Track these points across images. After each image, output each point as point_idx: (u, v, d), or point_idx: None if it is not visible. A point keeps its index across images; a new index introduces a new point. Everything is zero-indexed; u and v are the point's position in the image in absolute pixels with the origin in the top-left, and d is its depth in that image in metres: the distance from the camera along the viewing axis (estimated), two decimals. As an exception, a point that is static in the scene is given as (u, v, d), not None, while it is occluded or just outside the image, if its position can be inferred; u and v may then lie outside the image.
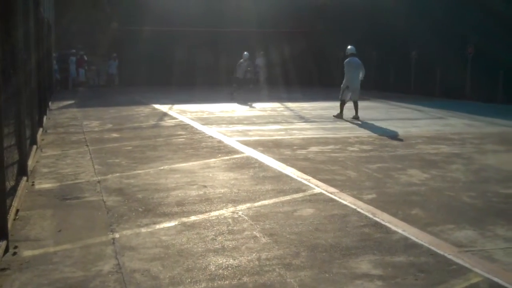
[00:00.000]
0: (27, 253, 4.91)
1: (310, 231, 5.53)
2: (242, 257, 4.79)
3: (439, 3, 23.57)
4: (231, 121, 15.15)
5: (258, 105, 20.33)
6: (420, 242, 5.18)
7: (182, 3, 32.28)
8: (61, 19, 32.08)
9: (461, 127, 13.97)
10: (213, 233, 5.45)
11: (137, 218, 5.97)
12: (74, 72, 31.43)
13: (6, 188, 5.09)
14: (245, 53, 24.72)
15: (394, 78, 27.06)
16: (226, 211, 6.24)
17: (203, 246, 5.07)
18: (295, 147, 10.67)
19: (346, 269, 4.53)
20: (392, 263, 4.65)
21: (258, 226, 5.69)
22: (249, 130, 13.23)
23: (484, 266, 4.57)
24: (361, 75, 15.73)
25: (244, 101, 21.93)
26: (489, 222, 5.86)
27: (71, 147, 10.85)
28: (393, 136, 12.26)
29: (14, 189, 6.40)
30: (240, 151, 10.20)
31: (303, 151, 10.23)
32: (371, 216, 6.02)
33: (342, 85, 16.07)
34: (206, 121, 15.09)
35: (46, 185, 7.62)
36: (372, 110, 18.35)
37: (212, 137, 12.00)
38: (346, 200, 6.70)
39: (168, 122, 15.15)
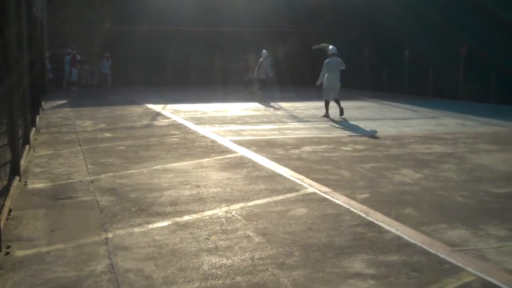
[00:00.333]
0: (19, 253, 4.89)
1: (303, 230, 5.53)
2: (236, 257, 4.79)
3: (432, 3, 23.63)
4: (224, 121, 15.15)
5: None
6: (413, 241, 5.19)
7: (176, 2, 32.22)
8: (54, 19, 31.96)
9: (454, 126, 14.02)
10: (206, 233, 5.45)
11: (130, 218, 5.96)
12: (68, 72, 31.31)
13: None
14: (264, 51, 24.23)
15: (387, 78, 27.12)
16: (220, 211, 6.24)
17: (196, 246, 5.07)
18: (288, 147, 10.68)
19: (339, 269, 4.54)
20: (385, 262, 4.66)
21: (251, 225, 5.69)
22: (243, 130, 13.23)
23: (477, 265, 4.59)
24: (342, 68, 16.18)
25: (264, 100, 21.85)
26: (482, 221, 5.88)
27: (64, 147, 10.82)
28: (386, 135, 12.29)
29: (6, 189, 6.39)
30: (234, 150, 10.20)
31: (297, 151, 10.24)
32: (364, 215, 6.03)
33: (323, 85, 16.38)
34: (199, 121, 15.08)
35: (39, 185, 7.59)
36: (366, 109, 18.39)
37: (205, 137, 12.00)
38: (339, 199, 6.71)
39: (161, 122, 15.13)
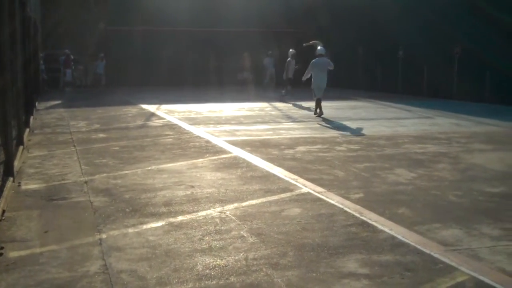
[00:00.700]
0: (13, 254, 4.88)
1: (298, 230, 5.54)
2: (230, 257, 4.79)
3: (426, 3, 23.68)
4: (218, 121, 15.14)
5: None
6: (406, 241, 5.20)
7: (171, 2, 32.17)
8: (48, 19, 31.89)
9: (448, 126, 14.05)
10: (200, 233, 5.44)
11: (124, 219, 5.95)
12: (63, 72, 31.23)
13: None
14: (291, 50, 24.10)
15: (382, 78, 27.16)
16: (214, 211, 6.24)
17: (190, 246, 5.06)
18: (282, 147, 10.68)
19: (333, 268, 4.54)
20: (379, 262, 4.67)
21: (245, 226, 5.69)
22: (237, 130, 13.23)
23: (470, 265, 4.60)
24: (330, 68, 16.54)
25: (293, 100, 21.80)
26: (475, 221, 5.90)
27: (58, 148, 10.80)
28: (381, 135, 12.31)
29: (0, 190, 6.36)
30: (228, 151, 10.20)
31: (291, 151, 10.24)
32: (358, 215, 6.04)
33: (311, 86, 16.79)
34: (193, 121, 15.07)
35: (33, 185, 7.57)
36: (360, 109, 18.41)
37: (199, 137, 11.99)
38: (334, 199, 6.72)
39: (155, 122, 15.11)
